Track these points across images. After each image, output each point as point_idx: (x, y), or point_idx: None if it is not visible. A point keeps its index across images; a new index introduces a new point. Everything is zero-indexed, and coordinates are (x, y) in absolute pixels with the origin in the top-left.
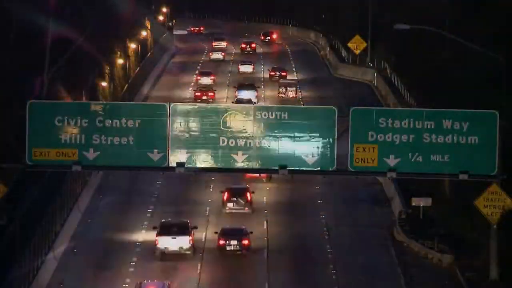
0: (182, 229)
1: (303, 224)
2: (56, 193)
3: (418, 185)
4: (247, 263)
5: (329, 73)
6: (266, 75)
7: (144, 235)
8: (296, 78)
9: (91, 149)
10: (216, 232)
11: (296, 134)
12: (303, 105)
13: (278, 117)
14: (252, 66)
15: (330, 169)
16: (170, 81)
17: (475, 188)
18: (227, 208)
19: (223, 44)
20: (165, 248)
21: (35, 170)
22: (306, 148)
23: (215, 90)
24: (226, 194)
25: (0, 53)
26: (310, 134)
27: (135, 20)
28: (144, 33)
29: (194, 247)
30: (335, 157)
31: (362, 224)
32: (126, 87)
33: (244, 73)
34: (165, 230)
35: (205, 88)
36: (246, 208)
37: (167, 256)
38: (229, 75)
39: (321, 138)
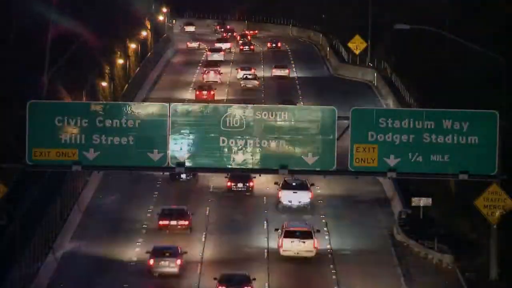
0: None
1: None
2: (56, 193)
3: (418, 185)
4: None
5: (329, 73)
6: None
7: (144, 235)
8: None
9: (91, 149)
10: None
11: (296, 134)
12: (303, 105)
13: (278, 117)
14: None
15: (330, 169)
16: None
17: (475, 188)
18: None
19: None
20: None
21: (35, 170)
22: (306, 148)
23: None
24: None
25: (0, 53)
26: (310, 134)
27: (136, 19)
28: (144, 33)
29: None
30: (335, 157)
31: (362, 224)
32: (126, 87)
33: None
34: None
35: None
36: None
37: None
38: None
39: (321, 138)
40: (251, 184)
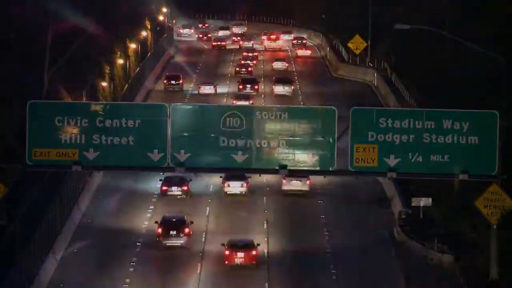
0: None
1: (303, 224)
2: (56, 193)
3: (418, 185)
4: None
5: (329, 73)
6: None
7: (144, 235)
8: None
9: (91, 149)
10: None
11: (296, 134)
12: (303, 105)
13: (278, 117)
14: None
15: (330, 169)
16: None
17: (475, 188)
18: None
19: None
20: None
21: (35, 170)
22: (306, 148)
23: None
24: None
25: (0, 53)
26: (310, 134)
27: (136, 19)
28: (144, 33)
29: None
30: (335, 157)
31: (362, 224)
32: (126, 87)
33: None
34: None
35: None
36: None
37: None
38: None
39: (321, 138)
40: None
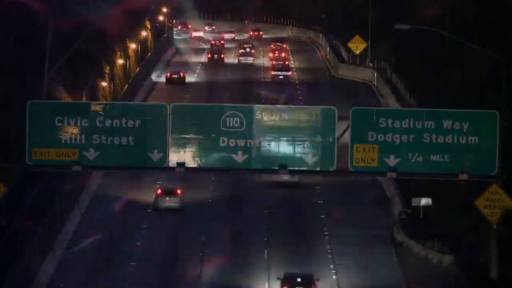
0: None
1: (303, 224)
2: (56, 193)
3: (419, 185)
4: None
5: (329, 73)
6: None
7: (143, 235)
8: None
9: (91, 149)
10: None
11: (296, 134)
12: (303, 105)
13: (278, 117)
14: None
15: (330, 169)
16: None
17: (475, 188)
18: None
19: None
20: None
21: (35, 170)
22: (306, 148)
23: None
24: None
25: (0, 53)
26: (310, 134)
27: (136, 19)
28: (144, 33)
29: None
30: (335, 157)
31: (362, 225)
32: (126, 87)
33: None
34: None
35: None
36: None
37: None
38: None
39: (321, 138)
40: None
